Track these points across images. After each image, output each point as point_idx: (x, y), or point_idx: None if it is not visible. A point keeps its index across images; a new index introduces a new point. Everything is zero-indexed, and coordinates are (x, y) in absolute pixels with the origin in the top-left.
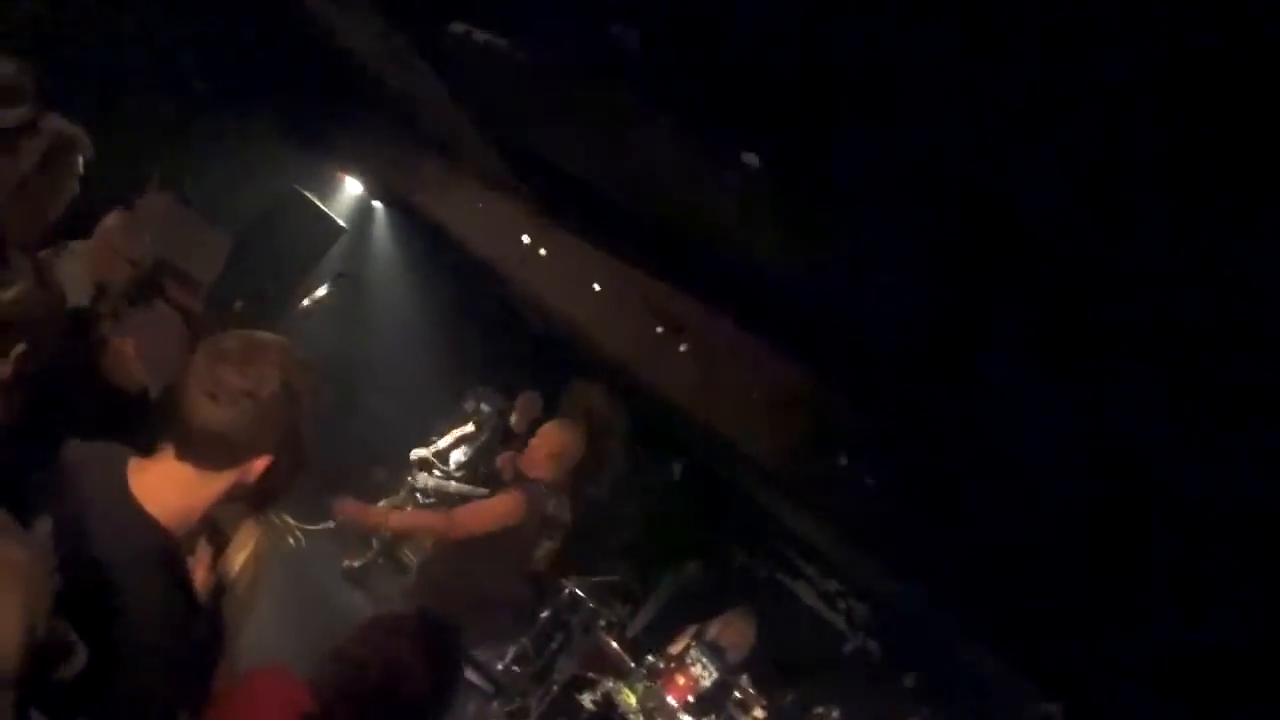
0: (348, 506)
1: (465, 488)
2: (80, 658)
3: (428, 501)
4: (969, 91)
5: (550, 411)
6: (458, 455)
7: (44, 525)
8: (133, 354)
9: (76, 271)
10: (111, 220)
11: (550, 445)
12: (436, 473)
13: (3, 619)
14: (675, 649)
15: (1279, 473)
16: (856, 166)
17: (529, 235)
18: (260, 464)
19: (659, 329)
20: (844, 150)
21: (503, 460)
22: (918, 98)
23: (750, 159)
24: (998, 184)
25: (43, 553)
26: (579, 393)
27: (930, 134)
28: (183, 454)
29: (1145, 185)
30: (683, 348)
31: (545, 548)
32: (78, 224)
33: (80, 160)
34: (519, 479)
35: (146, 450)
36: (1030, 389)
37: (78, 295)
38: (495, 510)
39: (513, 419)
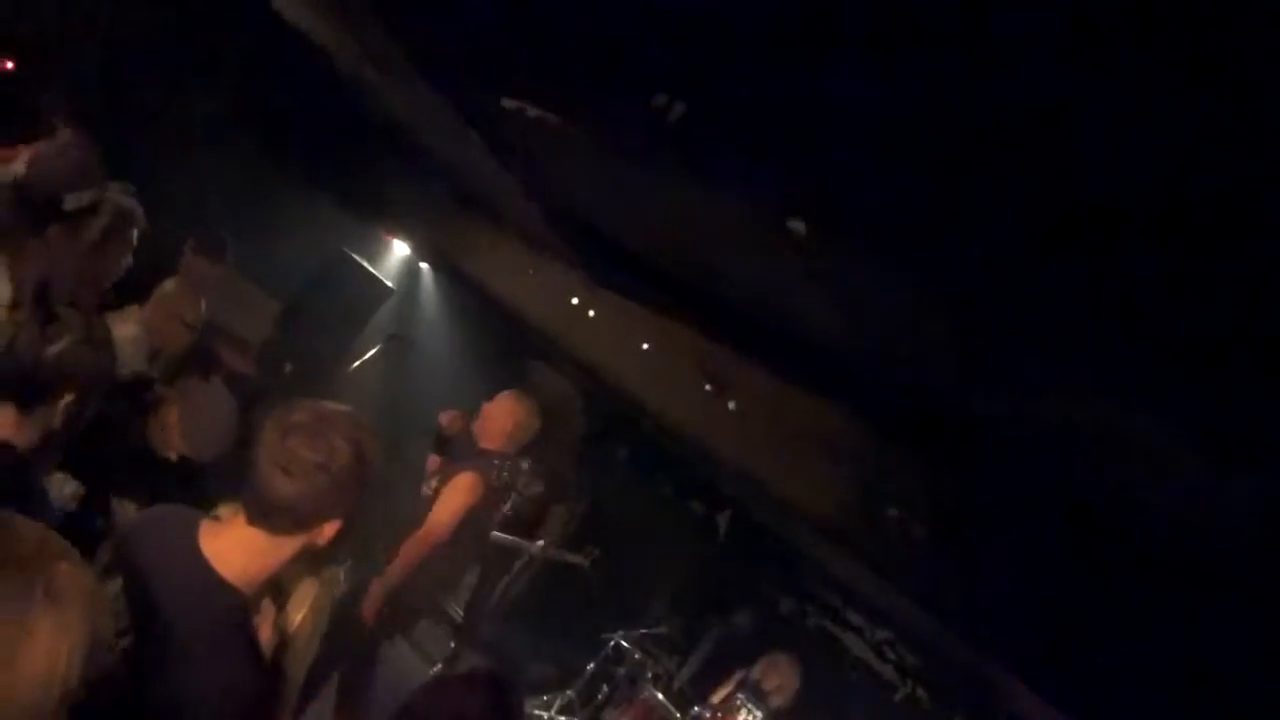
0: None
1: (506, 539)
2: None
3: None
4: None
5: None
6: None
7: (114, 585)
8: (175, 425)
9: (134, 335)
10: (168, 286)
11: (504, 416)
12: None
13: (66, 638)
14: (720, 697)
15: None
16: (893, 222)
17: (577, 298)
18: (331, 529)
19: (707, 387)
20: (877, 206)
21: (449, 418)
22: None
23: (797, 226)
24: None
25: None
26: (536, 372)
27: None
28: (255, 521)
29: None
30: (731, 405)
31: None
32: (134, 291)
33: (135, 233)
34: (473, 454)
35: (200, 508)
36: (1072, 431)
37: (135, 358)
38: (460, 499)
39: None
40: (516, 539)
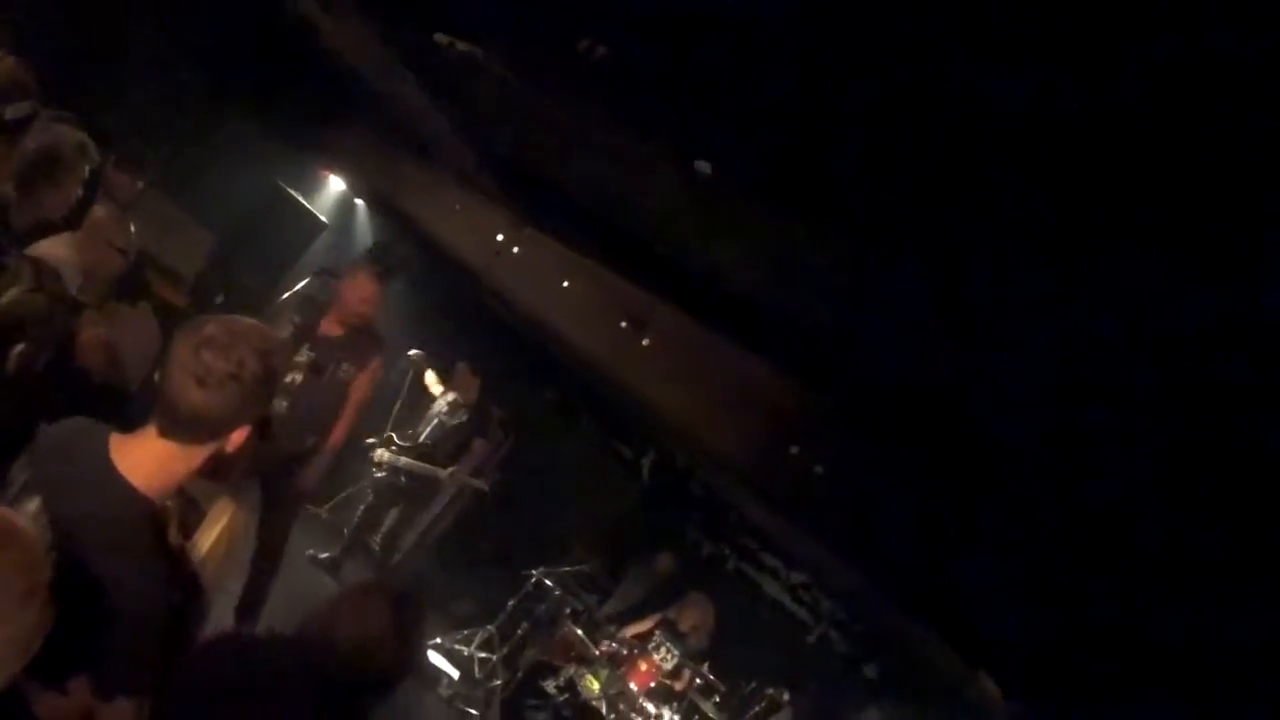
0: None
1: (417, 465)
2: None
3: (380, 475)
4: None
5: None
6: (427, 431)
7: (33, 504)
8: (103, 350)
9: (65, 259)
10: (99, 212)
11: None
12: (394, 448)
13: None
14: (636, 632)
15: None
16: (808, 172)
17: (501, 234)
18: (239, 436)
19: (624, 324)
20: (791, 151)
21: (329, 323)
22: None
23: (703, 166)
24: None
25: (38, 526)
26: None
27: (882, 125)
28: (165, 432)
29: None
30: (645, 342)
31: None
32: (69, 216)
33: (86, 168)
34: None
35: (124, 429)
36: (987, 362)
37: (67, 283)
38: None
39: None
40: (429, 466)
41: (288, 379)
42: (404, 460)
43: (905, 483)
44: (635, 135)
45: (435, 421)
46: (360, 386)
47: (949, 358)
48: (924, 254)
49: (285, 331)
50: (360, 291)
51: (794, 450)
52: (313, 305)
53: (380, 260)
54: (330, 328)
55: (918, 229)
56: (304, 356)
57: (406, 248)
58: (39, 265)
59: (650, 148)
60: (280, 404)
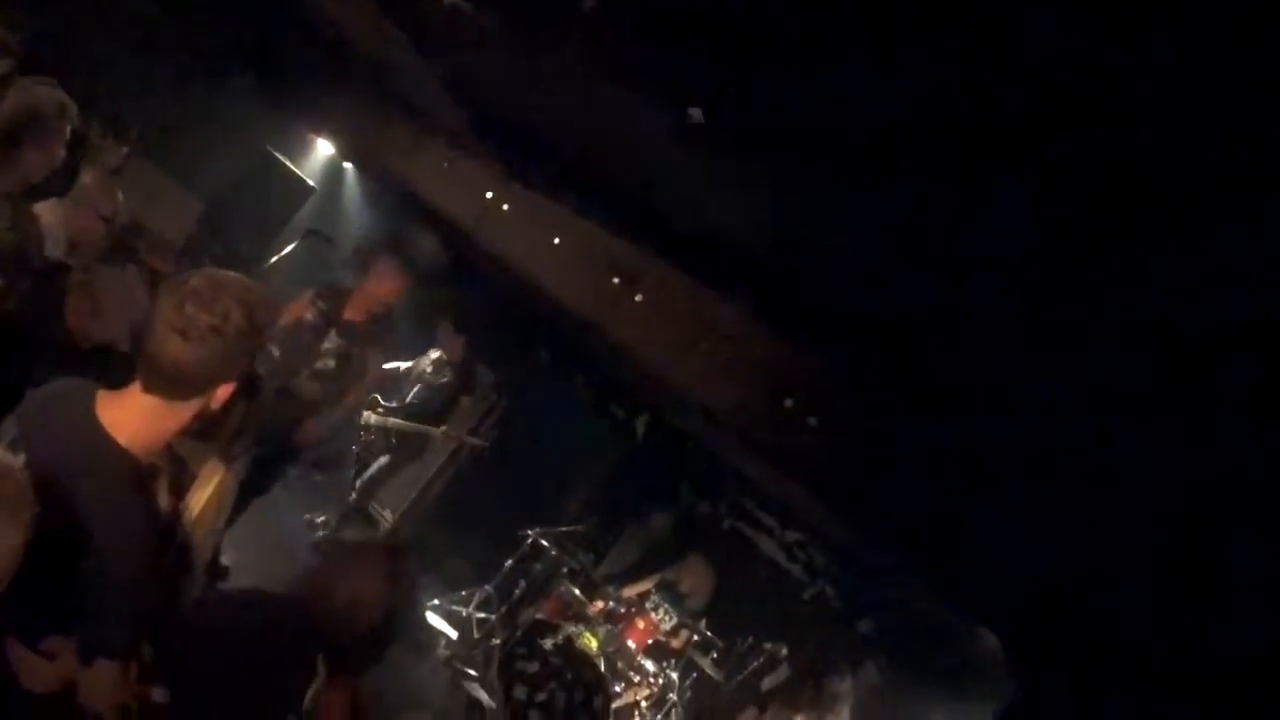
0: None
1: (407, 425)
2: None
3: (369, 438)
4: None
5: None
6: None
7: (18, 461)
8: (89, 312)
9: (53, 224)
10: (85, 178)
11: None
12: (380, 410)
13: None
14: (634, 592)
15: None
16: (802, 115)
17: (491, 191)
18: (224, 392)
19: (615, 280)
20: (789, 99)
21: (353, 310)
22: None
23: (695, 114)
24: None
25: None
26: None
27: (876, 78)
28: (149, 387)
29: None
30: (638, 298)
31: None
32: (55, 182)
33: (67, 128)
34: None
35: (112, 387)
36: (982, 327)
37: (53, 248)
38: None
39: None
40: (419, 425)
41: (319, 364)
42: (393, 421)
43: (901, 433)
44: (625, 85)
45: (420, 382)
46: (376, 366)
47: (947, 306)
48: (922, 200)
49: (310, 318)
50: (386, 283)
51: (788, 403)
52: (336, 293)
53: (406, 253)
54: (353, 314)
55: (916, 174)
56: (333, 343)
57: (431, 240)
58: (16, 206)
59: (641, 97)
60: (313, 387)
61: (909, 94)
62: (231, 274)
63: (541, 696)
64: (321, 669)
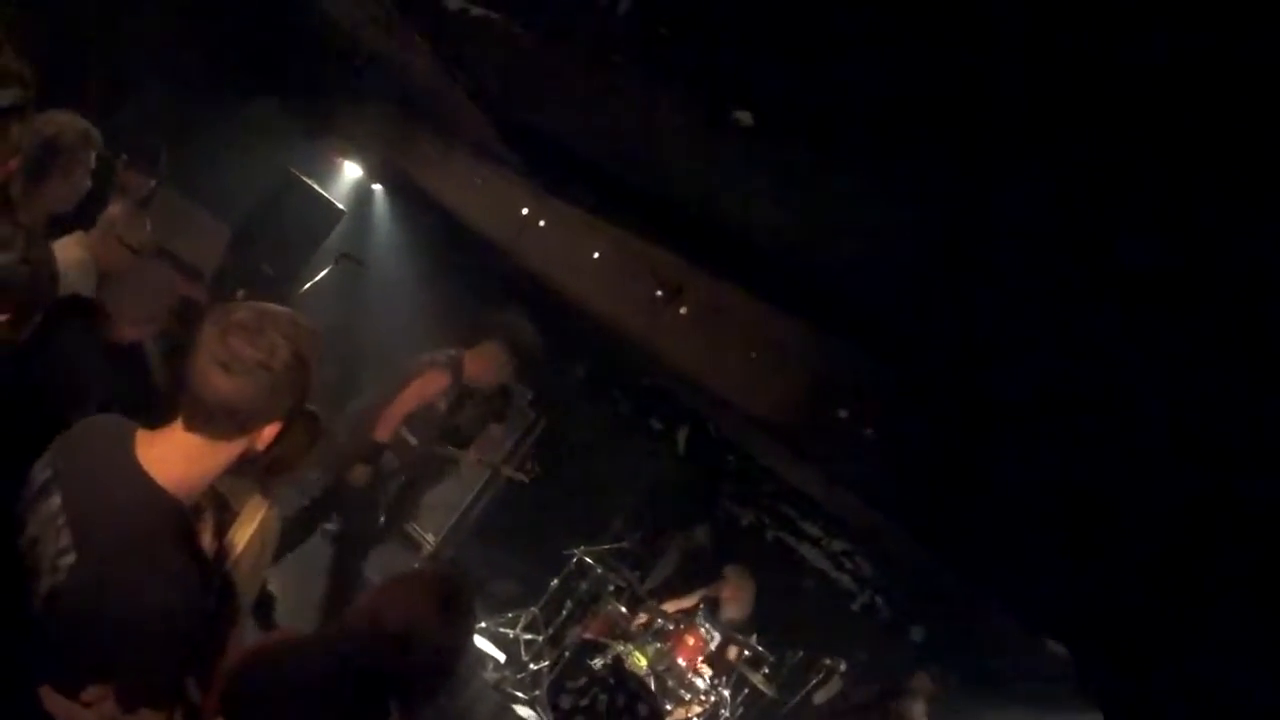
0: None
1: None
2: None
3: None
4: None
5: None
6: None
7: (54, 502)
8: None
9: (80, 260)
10: (113, 209)
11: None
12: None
13: None
14: (679, 608)
15: None
16: (848, 119)
17: (527, 208)
18: (270, 431)
19: (659, 294)
20: (836, 101)
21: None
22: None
23: (744, 117)
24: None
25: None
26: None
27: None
28: (191, 425)
29: None
30: (682, 311)
31: None
32: (80, 216)
33: (92, 156)
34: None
35: (153, 425)
36: (1033, 334)
37: (83, 283)
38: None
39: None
40: (447, 448)
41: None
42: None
43: (958, 443)
44: (663, 90)
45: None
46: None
47: (1000, 315)
48: (975, 210)
49: (440, 402)
50: (490, 368)
51: (842, 414)
52: (457, 364)
53: (514, 340)
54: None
55: (970, 183)
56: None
57: (533, 330)
58: (32, 239)
59: (680, 103)
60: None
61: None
62: (277, 307)
63: (584, 702)
64: (394, 713)
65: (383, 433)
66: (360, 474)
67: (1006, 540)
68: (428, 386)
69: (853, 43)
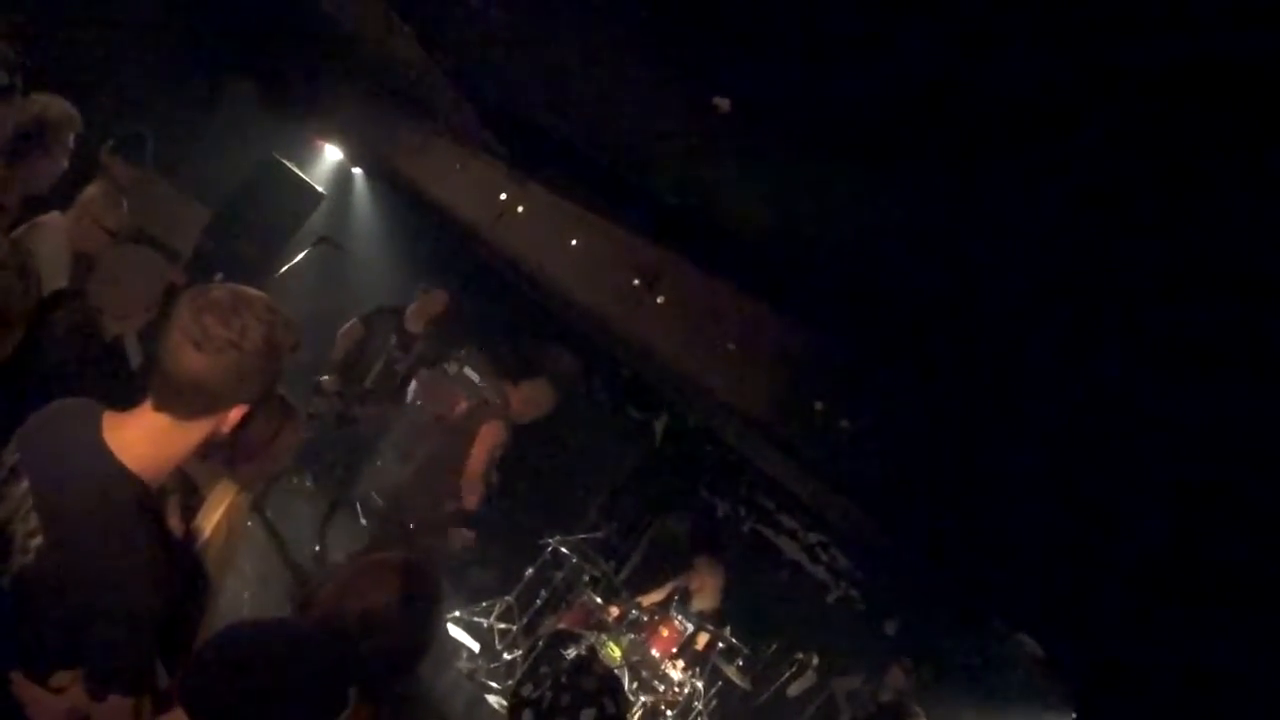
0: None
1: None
2: None
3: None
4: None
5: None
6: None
7: (21, 487)
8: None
9: (56, 245)
10: (91, 191)
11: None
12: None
13: None
14: (653, 600)
15: None
16: (829, 107)
17: (506, 193)
18: (236, 414)
19: (636, 282)
20: (816, 90)
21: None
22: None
23: (721, 103)
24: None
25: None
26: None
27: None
28: (160, 403)
29: None
30: (660, 299)
31: None
32: (56, 196)
33: (71, 137)
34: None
35: (124, 407)
36: (1014, 326)
37: (56, 272)
38: None
39: (408, 317)
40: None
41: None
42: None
43: (934, 436)
44: (644, 76)
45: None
46: None
47: (978, 304)
48: (952, 197)
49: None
50: (533, 403)
51: (819, 406)
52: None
53: (558, 374)
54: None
55: (944, 169)
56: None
57: (571, 358)
58: (16, 249)
59: (660, 90)
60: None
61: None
62: (255, 292)
63: (548, 692)
64: (352, 697)
65: (473, 500)
66: (462, 538)
67: (981, 534)
68: (492, 442)
69: (831, 35)
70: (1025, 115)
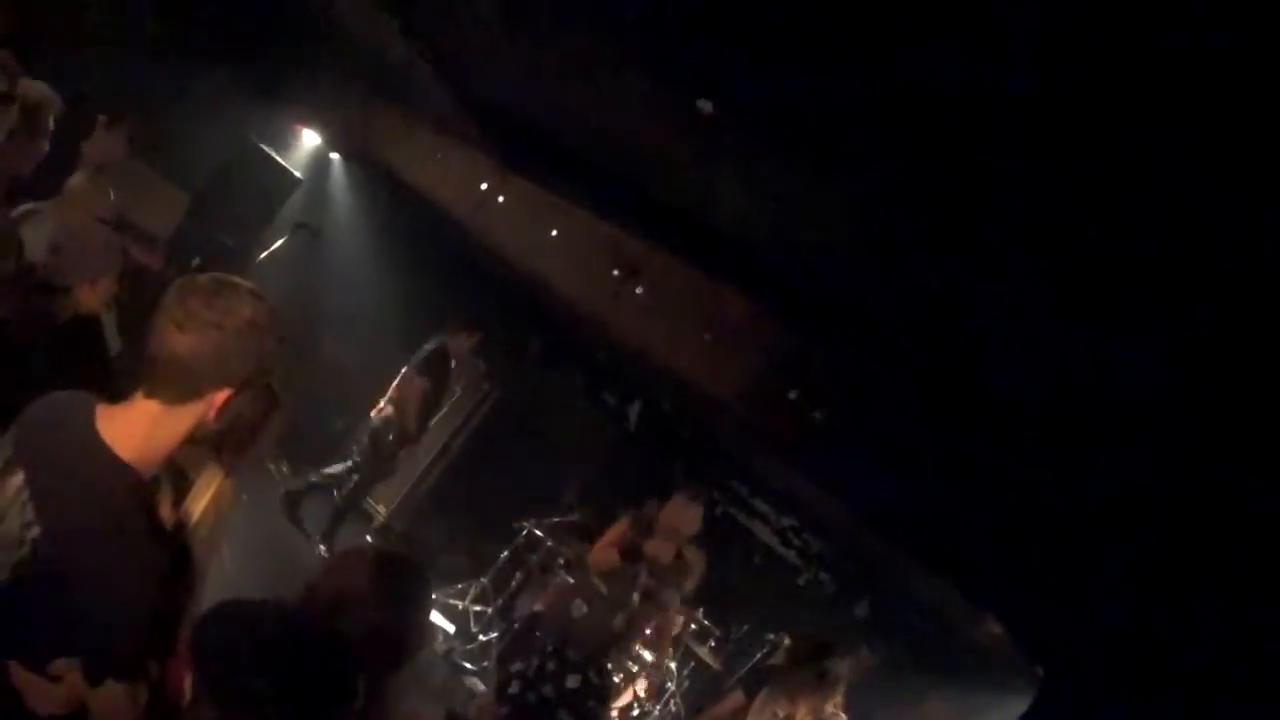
0: None
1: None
2: None
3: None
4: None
5: None
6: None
7: (16, 479)
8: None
9: (46, 232)
10: (77, 180)
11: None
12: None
13: None
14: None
15: None
16: (809, 107)
17: (486, 183)
18: (221, 397)
19: (615, 273)
20: (796, 90)
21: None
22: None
23: (704, 105)
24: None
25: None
26: None
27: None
28: (149, 389)
29: None
30: (639, 290)
31: None
32: (39, 181)
33: (51, 120)
34: None
35: (114, 399)
36: (983, 312)
37: (36, 252)
38: None
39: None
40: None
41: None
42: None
43: (906, 425)
44: (627, 73)
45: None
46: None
47: (951, 298)
48: (927, 192)
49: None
50: (685, 520)
51: (793, 395)
52: (648, 525)
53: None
54: (657, 549)
55: (921, 166)
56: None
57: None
58: (5, 233)
59: (643, 86)
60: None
61: (909, 80)
62: (241, 280)
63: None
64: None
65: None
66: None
67: (954, 523)
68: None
69: (816, 35)
70: (1018, 117)
